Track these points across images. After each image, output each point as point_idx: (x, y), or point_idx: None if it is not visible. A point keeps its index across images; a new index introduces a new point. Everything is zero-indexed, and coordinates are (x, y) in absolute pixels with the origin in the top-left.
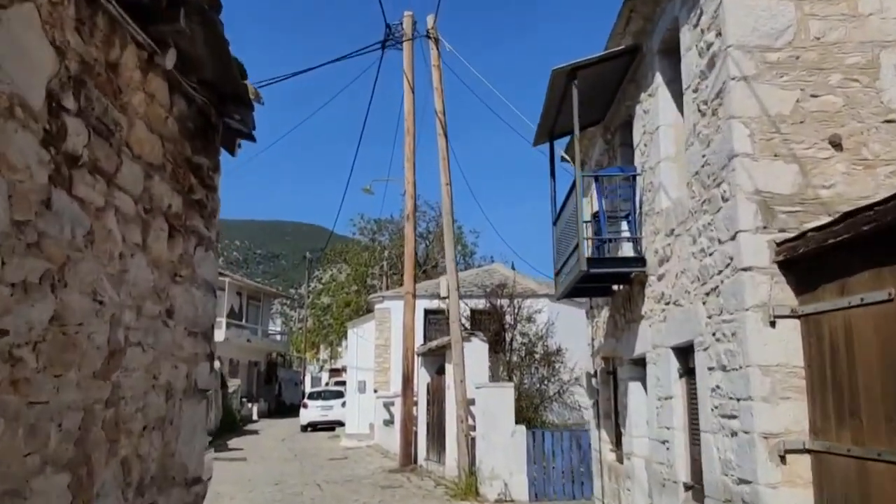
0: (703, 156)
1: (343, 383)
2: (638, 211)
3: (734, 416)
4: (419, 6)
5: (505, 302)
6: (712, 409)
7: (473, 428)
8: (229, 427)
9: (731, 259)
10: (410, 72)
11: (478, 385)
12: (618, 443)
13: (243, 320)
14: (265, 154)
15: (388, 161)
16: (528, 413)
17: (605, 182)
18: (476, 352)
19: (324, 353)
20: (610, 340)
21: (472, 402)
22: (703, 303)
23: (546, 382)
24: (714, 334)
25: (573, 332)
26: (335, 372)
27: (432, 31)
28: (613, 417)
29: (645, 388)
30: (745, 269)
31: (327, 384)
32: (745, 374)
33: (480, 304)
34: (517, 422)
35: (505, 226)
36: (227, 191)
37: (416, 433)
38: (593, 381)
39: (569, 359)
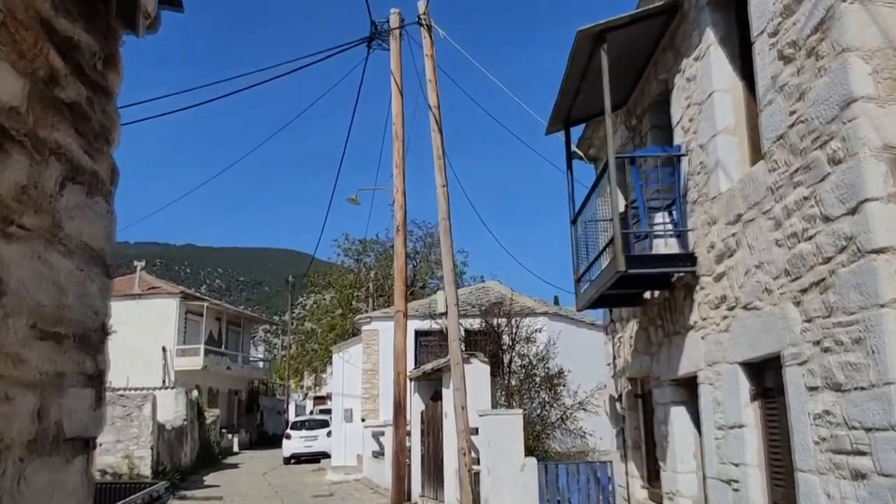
0: (793, 112)
1: (328, 412)
2: (682, 199)
3: (862, 453)
4: (409, 6)
5: (502, 321)
6: (817, 442)
7: (477, 461)
8: (207, 461)
9: (851, 240)
10: (398, 72)
11: (481, 412)
12: (651, 478)
13: (223, 347)
14: (248, 180)
15: (375, 172)
16: (529, 441)
17: (641, 165)
18: (476, 375)
19: (308, 381)
20: (641, 358)
21: (473, 431)
22: (797, 303)
23: (548, 408)
24: (818, 343)
25: (575, 352)
26: (319, 400)
27: (424, 17)
28: (644, 448)
29: (692, 414)
30: (875, 252)
31: (311, 412)
32: (882, 394)
33: (475, 323)
34: (526, 453)
35: (499, 248)
36: (211, 219)
37: (409, 466)
38: (618, 406)
39: (571, 381)
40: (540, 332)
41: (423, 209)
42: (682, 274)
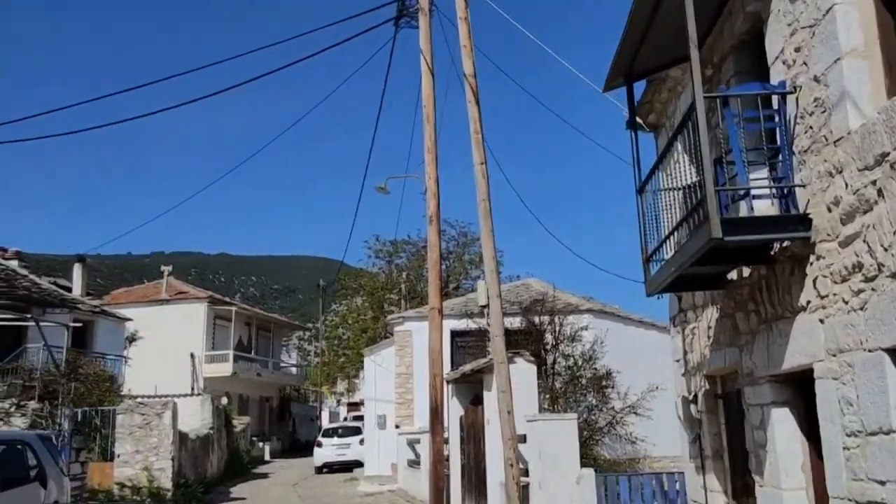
0: None
1: (362, 418)
2: (788, 150)
3: None
4: None
5: (545, 319)
6: None
7: (525, 472)
8: (235, 471)
9: None
10: (428, 50)
11: (529, 417)
12: (738, 494)
13: (253, 353)
14: (280, 189)
15: (405, 165)
16: None
17: (731, 106)
18: (521, 376)
19: (341, 386)
20: (724, 352)
21: (521, 439)
22: None
23: (595, 412)
24: None
25: (624, 352)
26: (353, 406)
27: None
28: (729, 458)
29: (802, 416)
30: None
31: (345, 419)
32: None
33: (515, 322)
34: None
35: (535, 246)
36: (242, 227)
37: (448, 477)
38: (692, 408)
39: (620, 383)
40: (586, 329)
41: (454, 207)
42: (788, 242)
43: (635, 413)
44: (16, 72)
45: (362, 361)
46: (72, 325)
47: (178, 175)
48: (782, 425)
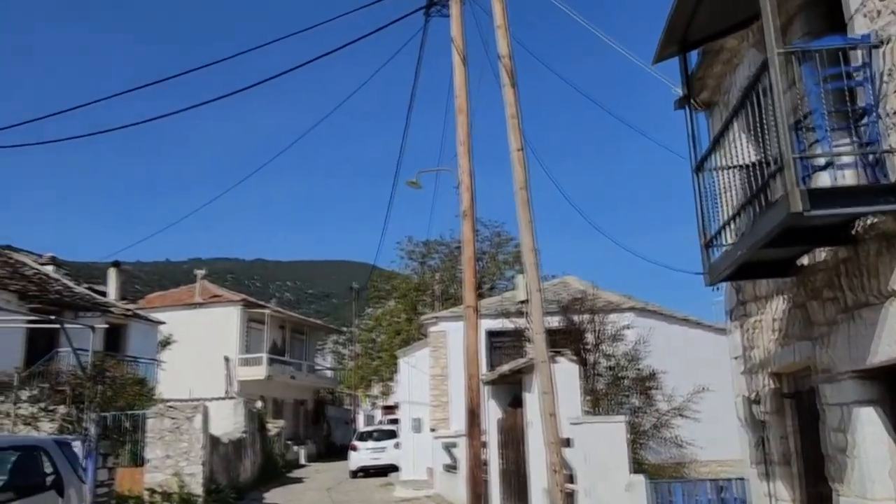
0: None
1: (396, 421)
2: (876, 111)
3: None
4: None
5: (585, 318)
6: None
7: (570, 478)
8: (269, 475)
9: None
10: (460, 38)
11: (573, 420)
12: (811, 503)
13: (287, 356)
14: (314, 193)
15: (437, 159)
16: None
17: (811, 63)
18: (563, 376)
19: (376, 389)
20: (795, 346)
21: (565, 442)
22: None
23: (640, 414)
24: None
25: (669, 351)
26: (388, 409)
27: None
28: (800, 464)
29: (890, 417)
30: None
31: (380, 422)
32: None
33: (554, 321)
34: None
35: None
36: (277, 231)
37: (486, 482)
38: (755, 409)
39: (665, 384)
40: (629, 328)
41: (488, 206)
42: (875, 218)
43: (682, 415)
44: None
45: (397, 364)
46: (98, 326)
47: (215, 179)
48: (868, 427)
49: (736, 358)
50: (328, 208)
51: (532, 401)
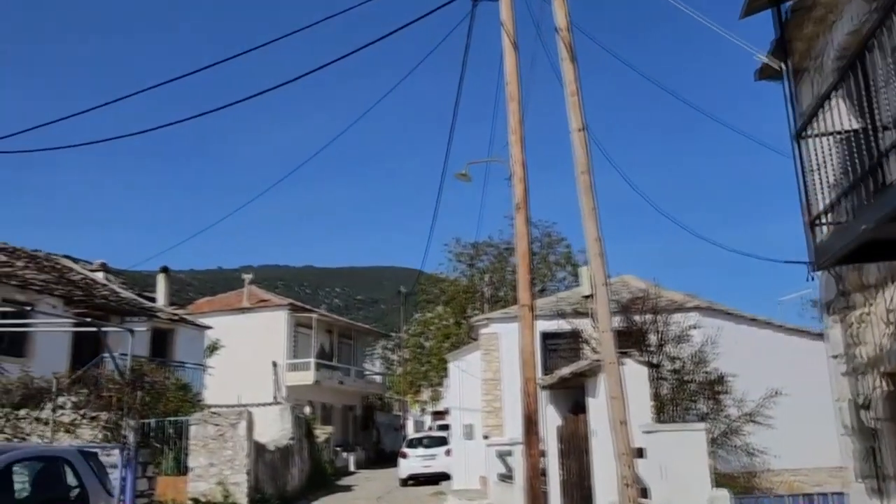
0: None
1: (447, 427)
2: None
3: None
4: None
5: (648, 318)
6: None
7: (644, 493)
8: (317, 483)
9: None
10: (510, 22)
11: (647, 428)
12: None
13: (334, 360)
14: (363, 200)
15: (486, 154)
16: None
17: None
18: (630, 380)
19: (425, 395)
20: None
21: (636, 453)
22: None
23: (708, 420)
24: None
25: (738, 353)
26: (438, 415)
27: None
28: None
29: None
30: None
31: (430, 428)
32: None
33: (614, 322)
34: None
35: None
36: (326, 238)
37: (546, 494)
38: (864, 415)
39: (735, 388)
40: (695, 328)
41: (537, 205)
42: None
43: (753, 421)
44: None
45: (446, 368)
46: (137, 329)
47: (261, 185)
48: None
49: (835, 357)
50: (377, 215)
51: (596, 407)
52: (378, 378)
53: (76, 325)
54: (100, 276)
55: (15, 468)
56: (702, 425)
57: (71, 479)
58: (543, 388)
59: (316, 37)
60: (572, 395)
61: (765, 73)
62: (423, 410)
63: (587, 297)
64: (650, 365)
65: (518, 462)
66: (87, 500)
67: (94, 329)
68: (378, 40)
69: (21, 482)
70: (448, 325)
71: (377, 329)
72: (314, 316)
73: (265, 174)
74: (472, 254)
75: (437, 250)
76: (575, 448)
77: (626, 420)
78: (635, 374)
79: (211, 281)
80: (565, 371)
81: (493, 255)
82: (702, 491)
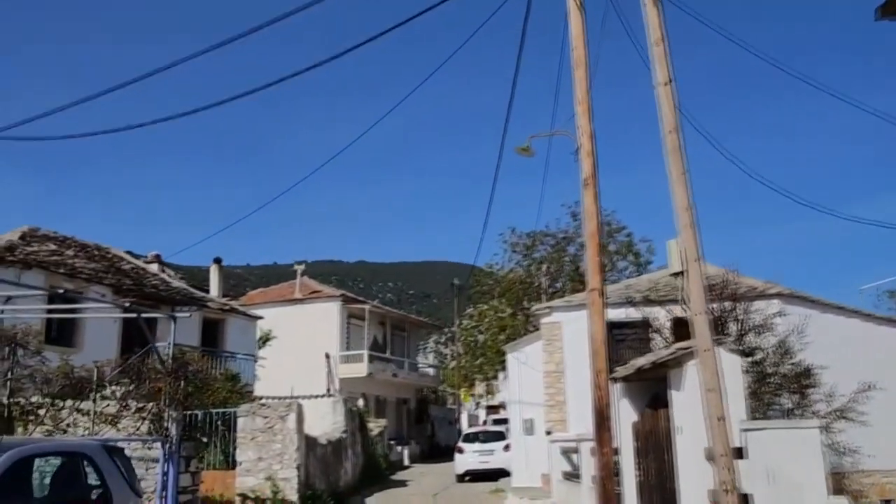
0: None
1: (503, 421)
2: None
3: None
4: None
5: (726, 305)
6: None
7: (745, 500)
8: (371, 478)
9: None
10: None
11: (747, 426)
12: None
13: (388, 353)
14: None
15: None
16: None
17: None
18: (723, 370)
19: (479, 388)
20: None
21: (736, 453)
22: None
23: (793, 416)
24: None
25: (824, 344)
26: (492, 409)
27: None
28: None
29: None
30: None
31: (484, 422)
32: None
33: (680, 311)
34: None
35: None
36: (379, 233)
37: (619, 495)
38: None
39: (823, 381)
40: (781, 316)
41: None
42: None
43: (844, 418)
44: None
45: (502, 361)
46: (180, 315)
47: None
48: None
49: None
50: (429, 210)
51: (681, 400)
52: (431, 371)
53: (116, 311)
54: (154, 267)
55: (35, 463)
56: (815, 423)
57: (93, 479)
58: (617, 380)
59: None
60: (650, 388)
61: (889, 8)
62: (477, 404)
63: (676, 274)
64: (744, 353)
65: (586, 460)
66: (111, 501)
67: (133, 315)
68: (427, 11)
69: (36, 480)
70: (503, 317)
71: (431, 321)
72: (367, 307)
73: (327, 170)
74: (527, 244)
75: (492, 241)
76: (654, 446)
77: (724, 416)
78: (728, 364)
79: (266, 276)
80: (643, 361)
81: (549, 246)
82: (817, 499)
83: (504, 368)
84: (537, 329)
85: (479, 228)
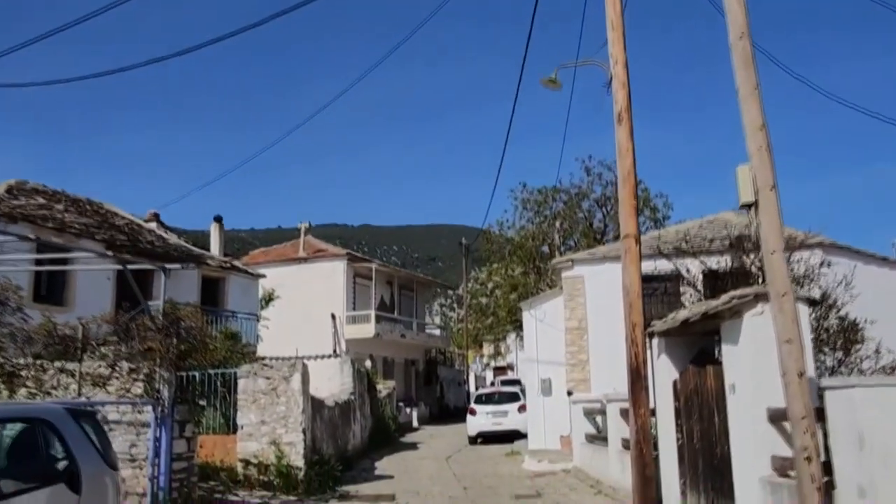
0: None
1: (511, 382)
2: None
3: None
4: None
5: (754, 259)
6: None
7: (826, 468)
8: (381, 441)
9: None
10: None
11: (829, 384)
12: None
13: (395, 313)
14: (417, 159)
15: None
16: None
17: None
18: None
19: (487, 350)
20: None
21: (818, 414)
22: None
23: (836, 375)
24: None
25: (871, 297)
26: (500, 370)
27: None
28: None
29: None
30: None
31: (492, 383)
32: None
33: (714, 263)
34: None
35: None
36: (382, 198)
37: (656, 460)
38: None
39: (873, 336)
40: (828, 266)
41: (603, 146)
42: None
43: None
44: None
45: (514, 321)
46: (170, 267)
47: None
48: None
49: None
50: (433, 173)
51: (735, 355)
52: (438, 332)
53: (104, 262)
54: (153, 226)
55: None
56: None
57: (57, 450)
58: (655, 335)
59: None
60: (694, 344)
61: None
62: (485, 366)
63: (747, 206)
64: (812, 302)
65: (614, 422)
66: (79, 475)
67: (114, 267)
68: None
69: None
70: (514, 275)
71: (440, 281)
72: (374, 266)
73: (343, 134)
74: (539, 200)
75: (502, 198)
76: (701, 407)
77: (804, 371)
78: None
79: (270, 240)
80: (687, 313)
81: (562, 202)
82: None
83: (516, 329)
84: (551, 286)
85: (484, 192)
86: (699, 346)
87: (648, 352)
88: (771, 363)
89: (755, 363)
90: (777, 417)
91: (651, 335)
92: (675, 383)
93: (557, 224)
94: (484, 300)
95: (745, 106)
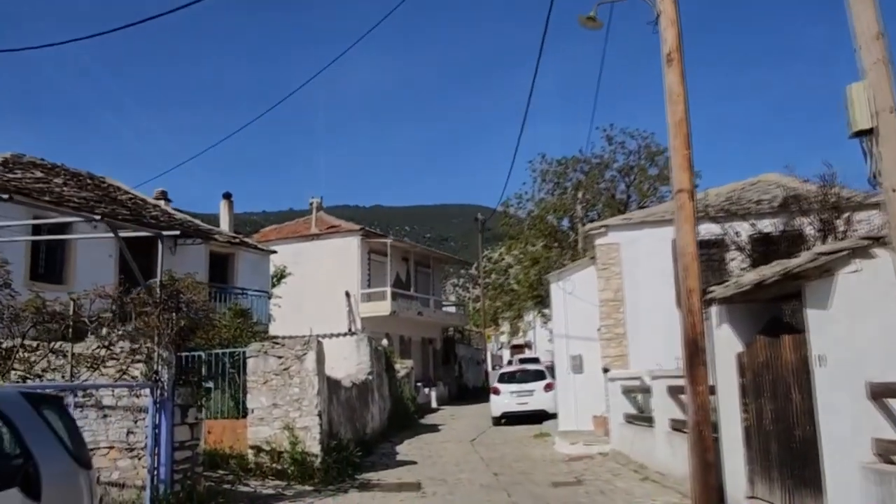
0: None
1: (530, 360)
2: None
3: None
4: None
5: (824, 217)
6: None
7: None
8: (400, 422)
9: None
10: None
11: None
12: None
13: (412, 290)
14: (429, 140)
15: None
16: None
17: None
18: (871, 284)
19: (504, 328)
20: None
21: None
22: None
23: None
24: None
25: None
26: (517, 348)
27: None
28: None
29: None
30: None
31: (509, 362)
32: None
33: (759, 227)
34: None
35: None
36: (394, 178)
37: (717, 441)
38: None
39: None
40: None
41: (625, 113)
42: None
43: None
44: None
45: (535, 297)
46: (167, 234)
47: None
48: None
49: None
50: (445, 154)
51: (828, 322)
52: (454, 309)
53: (98, 231)
54: (161, 203)
55: None
56: None
57: (10, 446)
58: (714, 301)
59: None
60: (763, 311)
61: None
62: (502, 345)
63: (861, 133)
64: None
65: (661, 401)
66: (37, 476)
67: (107, 236)
68: None
69: None
70: (535, 248)
71: (450, 268)
72: (389, 241)
73: (343, 117)
74: (558, 171)
75: (518, 178)
76: (775, 383)
77: None
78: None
79: (282, 221)
80: (756, 276)
81: (583, 173)
82: None
83: (536, 304)
84: (574, 260)
85: (498, 172)
86: (769, 314)
87: (705, 322)
88: (871, 330)
89: (851, 330)
90: (880, 393)
91: (709, 302)
92: (739, 356)
93: (580, 195)
94: (497, 278)
95: (857, 10)
